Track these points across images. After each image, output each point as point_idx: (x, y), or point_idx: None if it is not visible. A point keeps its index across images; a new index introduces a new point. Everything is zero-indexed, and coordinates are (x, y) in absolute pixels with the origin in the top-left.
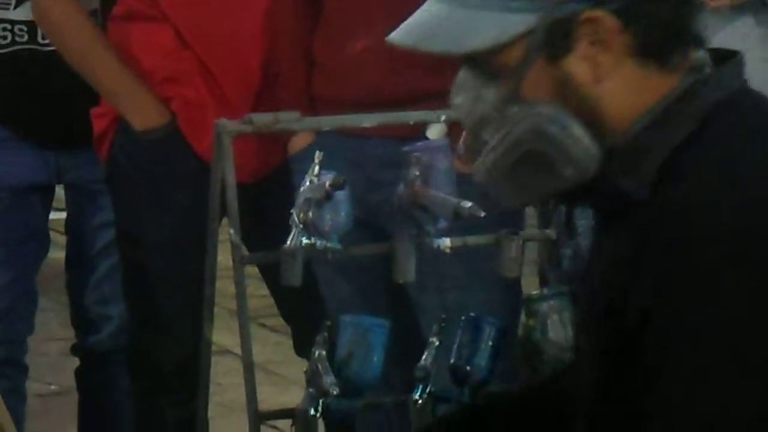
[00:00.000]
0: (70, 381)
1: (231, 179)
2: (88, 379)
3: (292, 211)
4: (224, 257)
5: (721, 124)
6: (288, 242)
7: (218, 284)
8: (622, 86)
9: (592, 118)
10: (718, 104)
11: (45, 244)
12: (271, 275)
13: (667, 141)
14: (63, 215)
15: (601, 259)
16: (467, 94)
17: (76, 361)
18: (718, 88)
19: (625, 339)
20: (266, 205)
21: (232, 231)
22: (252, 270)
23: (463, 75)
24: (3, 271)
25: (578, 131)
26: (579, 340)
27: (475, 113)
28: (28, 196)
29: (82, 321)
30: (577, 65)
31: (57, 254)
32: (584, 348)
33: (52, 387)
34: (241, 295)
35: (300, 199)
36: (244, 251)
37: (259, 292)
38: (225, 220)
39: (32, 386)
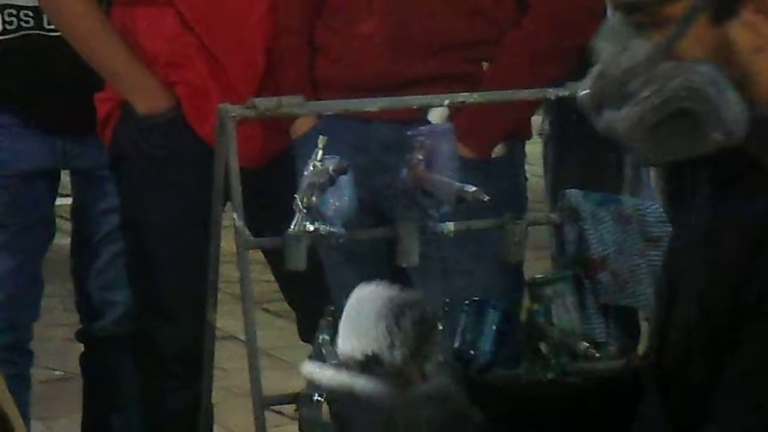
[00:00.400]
0: (75, 367)
1: (234, 164)
2: (93, 364)
3: (295, 195)
4: (228, 242)
5: None
6: (292, 227)
7: (222, 269)
8: None
9: (743, 86)
10: None
11: (51, 229)
12: (275, 260)
13: None
14: (68, 201)
15: (720, 228)
16: (615, 41)
17: (80, 347)
18: None
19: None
20: (270, 190)
21: (235, 216)
22: (256, 255)
23: (614, 21)
24: (9, 256)
25: (733, 96)
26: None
27: (620, 63)
28: (34, 181)
29: (86, 307)
30: (739, 31)
31: (62, 240)
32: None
33: (57, 373)
34: (245, 280)
35: (303, 184)
36: (248, 236)
37: (263, 277)
38: (229, 205)
39: (37, 372)
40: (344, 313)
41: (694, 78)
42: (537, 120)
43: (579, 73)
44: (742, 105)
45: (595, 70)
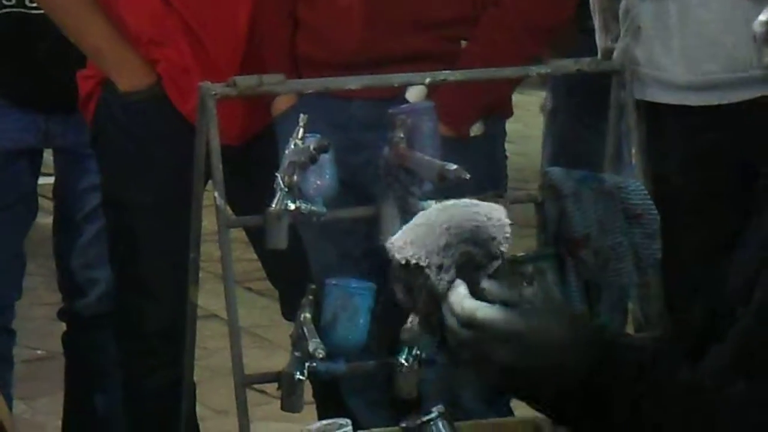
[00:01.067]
0: (57, 346)
1: (215, 142)
2: (75, 343)
3: (276, 174)
4: (210, 221)
5: None
6: (273, 205)
7: (204, 248)
8: None
9: None
10: None
11: (33, 208)
12: (257, 239)
13: None
14: (50, 180)
15: None
16: None
17: (62, 326)
18: None
19: None
20: (251, 168)
21: (216, 194)
22: (239, 234)
23: None
24: None
25: None
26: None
27: None
28: (17, 160)
29: (69, 285)
30: None
31: (44, 219)
32: None
33: (39, 352)
34: (226, 259)
35: (285, 162)
36: (230, 214)
37: (245, 256)
38: (210, 184)
39: (19, 351)
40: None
41: None
42: (541, 96)
43: (573, 51)
44: None
45: None
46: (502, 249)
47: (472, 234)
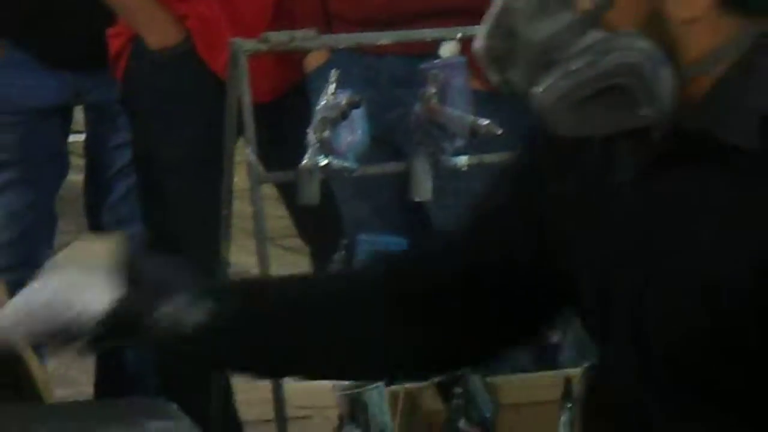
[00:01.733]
0: None
1: (247, 98)
2: None
3: (308, 130)
4: (241, 178)
5: None
6: (304, 161)
7: (236, 205)
8: (709, 29)
9: (672, 57)
10: None
11: (64, 166)
12: (288, 195)
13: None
14: (81, 138)
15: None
16: (534, 4)
17: None
18: None
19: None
20: (283, 124)
21: (248, 150)
22: (270, 191)
23: None
24: (24, 192)
25: (666, 71)
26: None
27: (537, 27)
28: (48, 117)
29: None
30: (673, 2)
31: (75, 177)
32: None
33: None
34: (258, 215)
35: (316, 118)
36: (261, 170)
37: (276, 213)
38: (241, 141)
39: None
40: None
41: (630, 53)
42: None
43: None
44: (676, 81)
45: (494, 22)
46: None
47: None
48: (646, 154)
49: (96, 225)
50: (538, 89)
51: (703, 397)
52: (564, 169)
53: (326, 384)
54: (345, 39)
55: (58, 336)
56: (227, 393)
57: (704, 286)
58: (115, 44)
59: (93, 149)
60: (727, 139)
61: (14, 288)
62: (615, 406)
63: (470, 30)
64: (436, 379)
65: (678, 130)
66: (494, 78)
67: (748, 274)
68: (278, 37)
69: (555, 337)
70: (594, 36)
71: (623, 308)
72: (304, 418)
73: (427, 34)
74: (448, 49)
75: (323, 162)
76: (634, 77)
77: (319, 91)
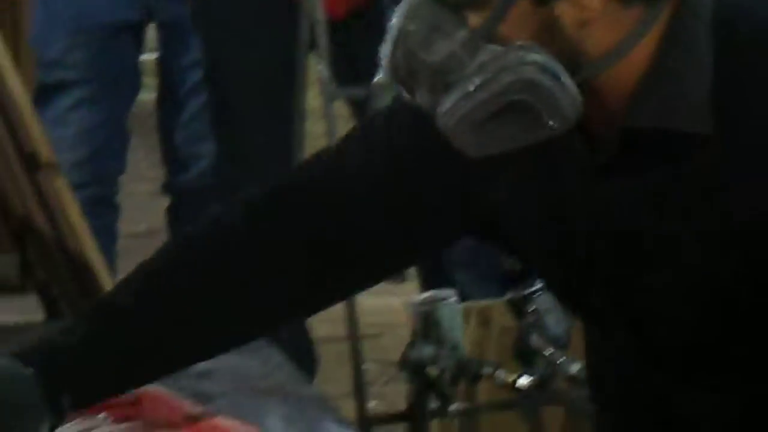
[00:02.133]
0: (159, 221)
1: (320, 14)
2: (177, 218)
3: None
4: (312, 98)
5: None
6: (377, 78)
7: (307, 125)
8: (607, 26)
9: (571, 62)
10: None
11: (136, 84)
12: (360, 114)
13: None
14: (153, 56)
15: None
16: (425, 22)
17: (164, 202)
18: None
19: None
20: (355, 41)
21: (321, 66)
22: (342, 111)
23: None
24: (97, 109)
25: (567, 80)
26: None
27: (432, 47)
28: (119, 35)
29: (172, 160)
30: (564, 7)
31: (147, 96)
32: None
33: (142, 226)
34: (331, 132)
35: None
36: (334, 87)
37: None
38: (313, 58)
39: (122, 226)
40: None
41: (526, 69)
42: None
43: None
44: (576, 89)
45: (392, 47)
46: None
47: None
48: (598, 159)
49: (168, 142)
50: (441, 111)
51: (710, 372)
52: (499, 172)
53: (398, 301)
54: None
55: None
56: None
57: (684, 278)
58: None
59: (165, 68)
60: (680, 128)
61: (87, 205)
62: (624, 393)
63: None
64: (508, 296)
65: (627, 129)
66: (407, 98)
67: (724, 262)
68: None
69: None
70: (488, 53)
71: (610, 305)
72: (375, 335)
73: None
74: None
75: None
76: (530, 92)
77: (393, 7)
